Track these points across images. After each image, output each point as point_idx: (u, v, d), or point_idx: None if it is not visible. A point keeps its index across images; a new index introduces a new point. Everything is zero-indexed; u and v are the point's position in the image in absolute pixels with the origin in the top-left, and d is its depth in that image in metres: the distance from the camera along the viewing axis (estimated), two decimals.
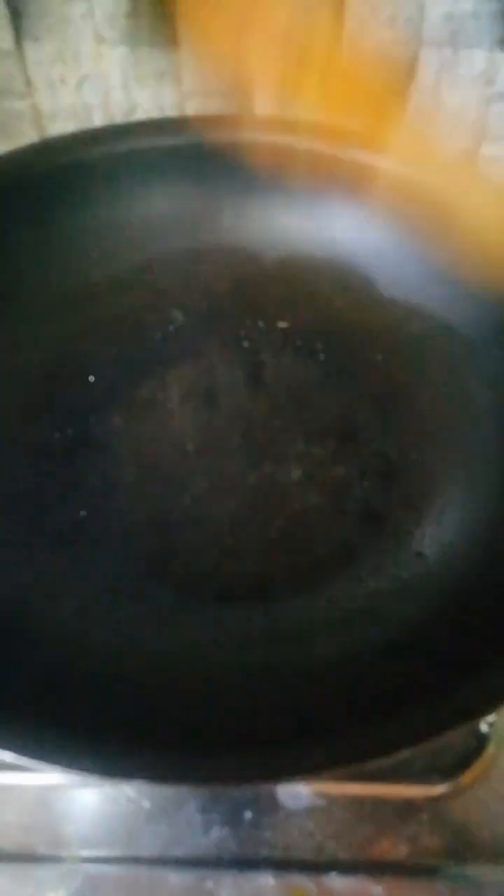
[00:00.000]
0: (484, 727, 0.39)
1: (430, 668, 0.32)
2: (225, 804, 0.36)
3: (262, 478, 0.43)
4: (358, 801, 0.37)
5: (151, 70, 0.54)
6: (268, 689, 0.34)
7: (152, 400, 0.46)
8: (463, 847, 0.36)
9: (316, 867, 0.35)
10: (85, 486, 0.42)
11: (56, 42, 0.52)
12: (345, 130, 0.48)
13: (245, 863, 0.35)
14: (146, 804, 0.36)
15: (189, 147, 0.51)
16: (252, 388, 0.47)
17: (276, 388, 0.48)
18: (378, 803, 0.37)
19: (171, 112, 0.56)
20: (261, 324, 0.50)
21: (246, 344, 0.49)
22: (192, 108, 0.56)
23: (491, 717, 0.39)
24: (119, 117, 0.57)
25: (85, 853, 0.35)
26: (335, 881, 0.35)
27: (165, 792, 0.36)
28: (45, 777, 0.36)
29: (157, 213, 0.52)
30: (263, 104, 0.55)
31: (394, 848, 0.36)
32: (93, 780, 0.27)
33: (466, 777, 0.37)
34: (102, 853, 0.35)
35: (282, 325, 0.50)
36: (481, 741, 0.39)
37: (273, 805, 0.36)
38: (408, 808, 0.37)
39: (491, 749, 0.39)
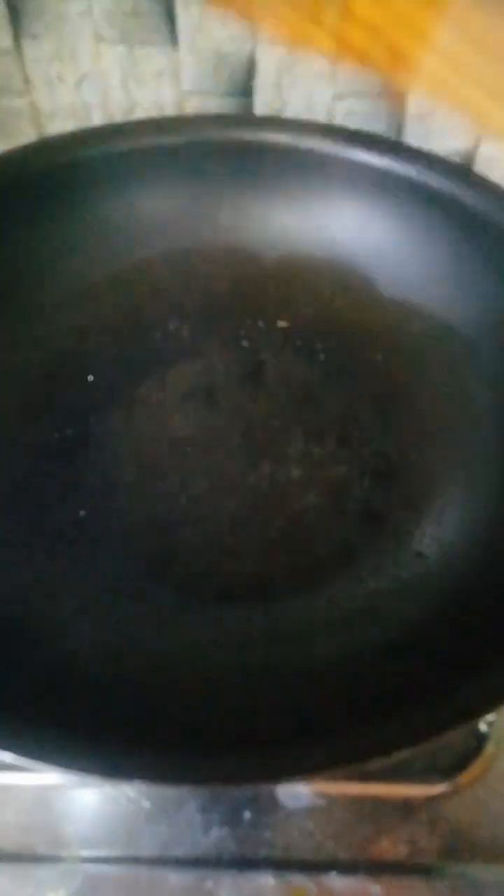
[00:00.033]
0: (483, 727, 0.39)
1: (430, 668, 0.32)
2: (225, 804, 0.36)
3: (261, 477, 0.43)
4: (357, 801, 0.37)
5: (150, 69, 0.54)
6: (267, 688, 0.34)
7: (152, 400, 0.46)
8: (462, 847, 0.36)
9: (315, 867, 0.35)
10: (84, 486, 0.42)
11: (54, 40, 0.52)
12: (346, 130, 0.48)
13: (245, 863, 0.35)
14: (146, 804, 0.36)
15: (188, 146, 0.51)
16: (252, 388, 0.47)
17: (276, 387, 0.48)
18: (377, 803, 0.37)
19: (170, 111, 0.56)
20: (260, 323, 0.50)
21: (245, 343, 0.49)
22: (191, 107, 0.56)
23: (490, 717, 0.39)
24: (118, 116, 0.57)
25: (85, 853, 0.35)
26: (335, 881, 0.35)
27: (165, 792, 0.36)
28: (44, 777, 0.36)
29: (156, 212, 0.51)
30: (264, 103, 0.55)
31: (393, 848, 0.36)
32: (92, 780, 0.27)
33: (465, 777, 0.37)
34: (102, 853, 0.35)
35: (281, 324, 0.50)
36: (480, 741, 0.39)
37: (273, 805, 0.36)
38: (407, 808, 0.37)
39: (490, 749, 0.39)
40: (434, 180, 0.47)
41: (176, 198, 0.52)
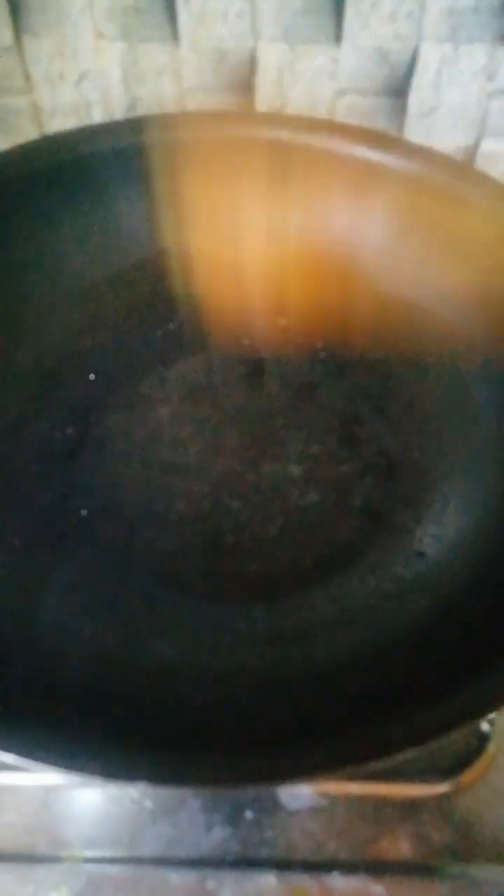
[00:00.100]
0: (485, 726, 0.39)
1: (432, 668, 0.32)
2: (227, 804, 0.36)
3: (261, 476, 0.43)
4: (359, 801, 0.37)
5: (152, 65, 0.53)
6: (269, 688, 0.34)
7: (152, 398, 0.46)
8: (464, 846, 0.36)
9: (317, 867, 0.35)
10: (85, 486, 0.42)
11: (55, 38, 0.52)
12: (346, 127, 0.48)
13: (247, 862, 0.35)
14: (148, 804, 0.36)
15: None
16: (252, 387, 0.47)
17: (276, 386, 0.47)
18: (379, 803, 0.37)
19: (171, 108, 0.56)
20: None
21: (245, 342, 0.49)
22: (192, 104, 0.56)
23: (492, 716, 0.39)
24: (119, 113, 0.57)
25: (87, 853, 0.35)
26: (337, 881, 0.35)
27: (167, 792, 0.36)
28: (46, 777, 0.36)
29: (157, 209, 0.51)
30: (265, 99, 0.55)
31: (395, 847, 0.36)
32: (94, 781, 0.27)
33: (467, 776, 0.37)
34: (104, 853, 0.35)
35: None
36: (482, 740, 0.39)
37: (274, 805, 0.36)
38: (409, 808, 0.37)
39: (492, 748, 0.39)
40: (436, 177, 0.46)
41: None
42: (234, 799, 0.36)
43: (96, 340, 0.48)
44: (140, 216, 0.51)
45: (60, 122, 0.57)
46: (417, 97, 0.54)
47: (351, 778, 0.36)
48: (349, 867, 0.35)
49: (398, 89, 0.54)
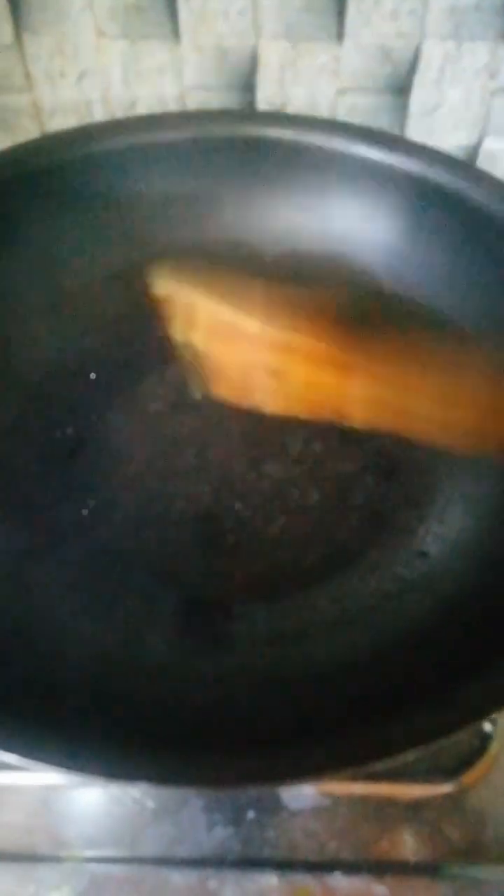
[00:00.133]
0: (487, 726, 0.39)
1: (434, 669, 0.32)
2: (228, 804, 0.36)
3: (261, 476, 0.43)
4: (361, 801, 0.36)
5: (152, 64, 0.53)
6: (269, 689, 0.34)
7: (153, 397, 0.46)
8: (466, 846, 0.36)
9: (319, 867, 0.35)
10: (86, 485, 0.42)
11: (56, 36, 0.52)
12: (349, 125, 0.48)
13: (248, 863, 0.35)
14: (150, 804, 0.36)
15: (190, 141, 0.50)
16: None
17: None
18: (381, 803, 0.36)
19: (172, 106, 0.56)
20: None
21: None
22: (193, 103, 0.56)
23: (494, 716, 0.39)
24: (119, 112, 0.56)
25: (88, 853, 0.35)
26: (339, 881, 0.35)
27: (169, 792, 0.36)
28: (48, 777, 0.36)
29: (157, 207, 0.51)
30: (266, 98, 0.54)
31: (397, 848, 0.36)
32: (96, 781, 0.27)
33: (470, 776, 0.37)
34: (106, 853, 0.35)
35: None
36: (484, 740, 0.39)
37: (276, 805, 0.36)
38: (411, 808, 0.36)
39: (494, 748, 0.38)
40: (437, 176, 0.46)
41: (177, 193, 0.51)
42: (235, 799, 0.36)
43: (97, 340, 0.48)
44: (140, 215, 0.51)
45: (60, 121, 0.57)
46: (419, 95, 0.54)
47: (353, 778, 0.36)
48: (352, 867, 0.35)
49: (400, 87, 0.53)
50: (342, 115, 0.55)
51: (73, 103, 0.56)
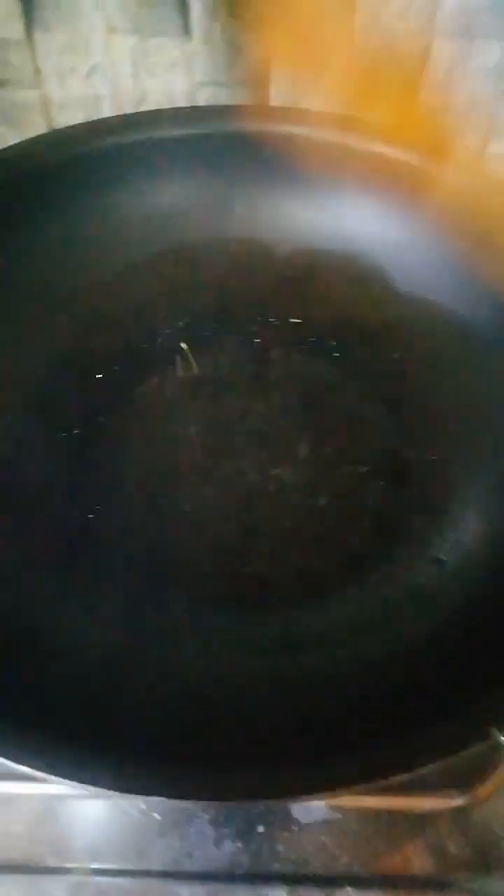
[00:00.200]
0: (502, 738, 0.38)
1: (450, 680, 0.31)
2: (237, 817, 0.35)
3: (268, 479, 0.42)
4: (372, 814, 0.36)
5: (162, 59, 0.53)
6: (281, 699, 0.33)
7: (160, 398, 0.46)
8: (479, 860, 0.36)
9: (329, 881, 0.35)
10: (93, 488, 0.41)
11: (67, 32, 0.51)
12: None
13: (257, 877, 0.34)
14: (157, 816, 0.35)
15: (200, 138, 0.50)
16: (262, 386, 0.47)
17: (287, 385, 0.47)
18: (393, 816, 0.36)
19: (181, 102, 0.55)
20: (272, 319, 0.49)
21: (257, 340, 0.48)
22: (203, 98, 0.55)
23: None
24: (128, 107, 0.56)
25: (95, 865, 0.35)
26: None
27: (177, 805, 0.35)
28: (54, 787, 0.36)
29: (167, 204, 0.51)
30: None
31: (408, 862, 0.35)
32: (105, 794, 0.26)
33: (483, 789, 0.36)
34: (113, 865, 0.35)
35: (294, 320, 0.49)
36: (498, 752, 0.38)
37: (286, 818, 0.36)
38: (423, 821, 0.36)
39: None
40: (449, 175, 0.45)
41: (188, 190, 0.51)
42: (245, 812, 0.35)
43: (103, 339, 0.47)
44: (150, 210, 0.50)
45: (69, 116, 0.56)
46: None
47: (365, 791, 0.35)
48: (362, 882, 0.35)
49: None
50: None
51: (82, 99, 0.56)
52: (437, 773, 0.35)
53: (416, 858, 0.35)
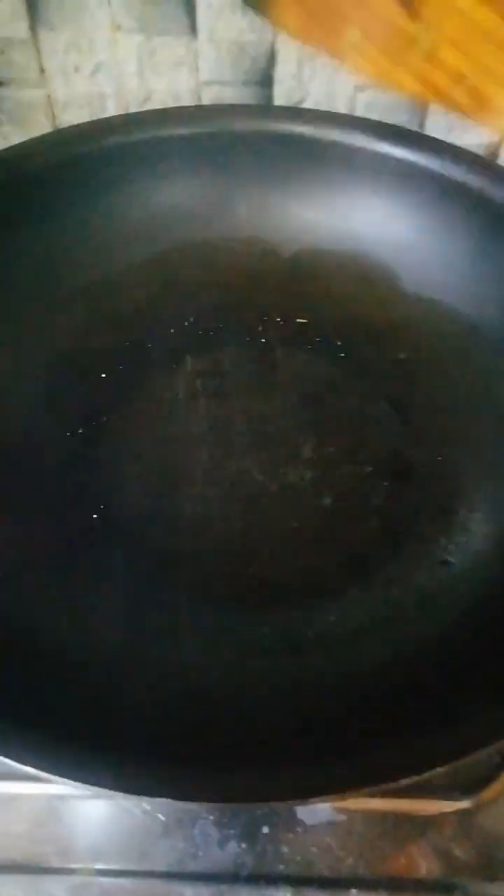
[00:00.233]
0: None
1: (458, 683, 0.31)
2: (242, 818, 0.35)
3: (272, 478, 0.42)
4: (378, 817, 0.36)
5: (168, 58, 0.52)
6: (284, 701, 0.33)
7: (164, 398, 0.45)
8: (485, 863, 0.35)
9: (334, 884, 0.34)
10: (97, 488, 0.41)
11: (71, 30, 0.51)
12: (369, 121, 0.47)
13: (262, 878, 0.34)
14: (161, 817, 0.35)
15: (205, 137, 0.49)
16: (266, 385, 0.46)
17: (292, 385, 0.47)
18: (398, 819, 0.36)
19: (186, 101, 0.55)
20: (278, 319, 0.49)
21: (262, 340, 0.48)
22: (208, 97, 0.55)
23: None
24: (133, 106, 0.56)
25: (98, 866, 0.34)
26: None
27: (181, 805, 0.35)
28: (57, 787, 0.35)
29: (171, 204, 0.51)
30: (283, 92, 0.54)
31: (415, 864, 0.35)
32: (109, 795, 0.26)
33: (489, 792, 0.36)
34: (116, 866, 0.34)
35: (300, 320, 0.49)
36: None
37: (291, 820, 0.35)
38: (429, 824, 0.36)
39: None
40: (460, 174, 0.45)
41: (192, 189, 0.51)
42: (249, 813, 0.35)
43: (107, 339, 0.47)
44: (155, 209, 0.50)
45: (73, 115, 0.56)
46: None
47: (370, 794, 0.35)
48: (367, 884, 0.34)
49: None
50: (360, 110, 0.54)
51: (86, 97, 0.55)
52: (443, 776, 0.35)
53: (422, 861, 0.35)
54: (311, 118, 0.49)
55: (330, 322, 0.48)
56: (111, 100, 0.55)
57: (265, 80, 0.53)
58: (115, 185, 0.49)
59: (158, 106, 0.55)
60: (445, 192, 0.46)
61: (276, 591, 0.38)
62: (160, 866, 0.34)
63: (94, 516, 0.40)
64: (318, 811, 0.35)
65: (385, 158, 0.47)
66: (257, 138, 0.49)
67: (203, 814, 0.35)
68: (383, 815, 0.36)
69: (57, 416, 0.43)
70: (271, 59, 0.52)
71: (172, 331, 0.48)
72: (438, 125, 0.54)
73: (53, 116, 0.56)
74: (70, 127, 0.51)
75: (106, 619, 0.36)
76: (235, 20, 0.50)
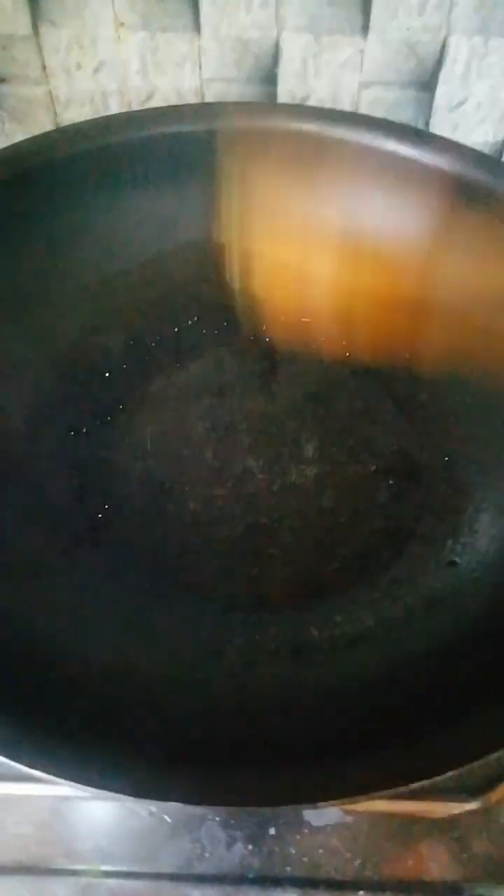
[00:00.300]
0: None
1: (468, 684, 0.31)
2: (249, 820, 0.35)
3: (275, 477, 0.42)
4: (385, 818, 0.36)
5: (172, 55, 0.52)
6: (291, 704, 0.33)
7: (168, 398, 0.45)
8: (492, 865, 0.35)
9: (342, 885, 0.34)
10: (101, 487, 0.41)
11: (74, 27, 0.51)
12: (373, 119, 0.47)
13: (269, 880, 0.34)
14: (168, 819, 0.35)
15: (209, 134, 0.49)
16: (268, 386, 0.46)
17: (297, 385, 0.47)
18: (405, 821, 0.36)
19: (190, 98, 0.55)
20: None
21: (266, 339, 0.48)
22: (212, 95, 0.55)
23: None
24: (136, 103, 0.55)
25: (105, 867, 0.34)
26: None
27: (188, 807, 0.35)
28: (63, 789, 0.35)
29: (175, 202, 0.50)
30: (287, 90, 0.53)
31: (422, 866, 0.35)
32: (117, 798, 0.26)
33: (496, 795, 0.36)
34: (123, 868, 0.34)
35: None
36: None
37: (297, 822, 0.35)
38: (437, 826, 0.36)
39: None
40: (466, 172, 0.45)
41: (197, 187, 0.50)
42: (256, 815, 0.35)
43: (111, 338, 0.47)
44: (157, 209, 0.50)
45: (75, 112, 0.56)
46: (445, 90, 0.53)
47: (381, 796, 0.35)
48: (375, 886, 0.34)
49: (425, 82, 0.52)
50: (364, 108, 0.54)
51: (88, 94, 0.55)
52: (450, 778, 0.34)
53: (430, 863, 0.35)
54: (316, 116, 0.49)
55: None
56: (114, 97, 0.55)
57: (269, 78, 0.53)
58: (118, 183, 0.49)
59: (161, 103, 0.55)
60: (450, 190, 0.46)
61: (281, 591, 0.38)
62: (167, 868, 0.34)
63: (99, 516, 0.40)
64: (325, 813, 0.35)
65: (390, 156, 0.47)
66: (261, 136, 0.49)
67: (210, 815, 0.35)
68: (390, 817, 0.36)
69: (62, 415, 0.43)
70: (275, 56, 0.52)
71: (176, 330, 0.48)
72: (444, 124, 0.54)
73: (55, 114, 0.56)
74: (72, 125, 0.51)
75: (110, 620, 0.36)
76: (239, 17, 0.50)
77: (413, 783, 0.26)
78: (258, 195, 0.47)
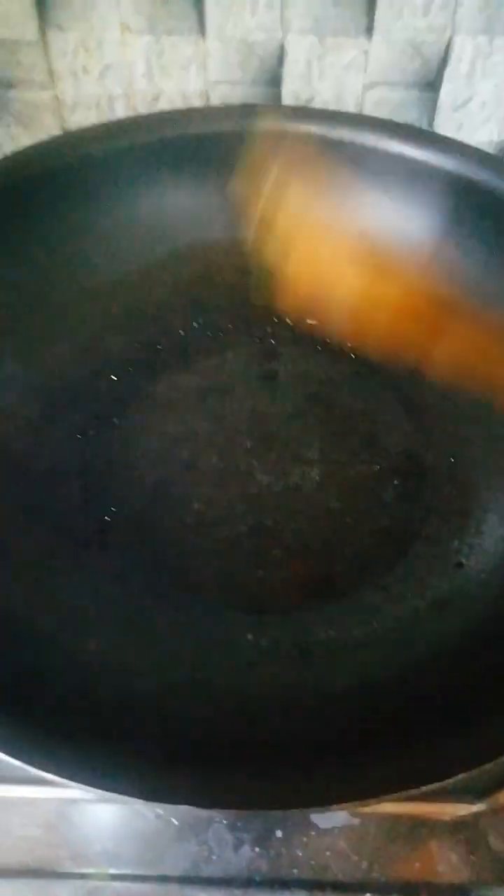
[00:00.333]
0: None
1: (476, 687, 0.31)
2: (256, 823, 0.35)
3: (278, 478, 0.42)
4: (392, 820, 0.35)
5: (177, 58, 0.52)
6: (295, 707, 0.33)
7: (172, 399, 0.45)
8: (501, 868, 0.35)
9: (349, 888, 0.34)
10: (106, 490, 0.41)
11: (80, 31, 0.51)
12: (379, 120, 0.47)
13: (276, 883, 0.34)
14: (175, 821, 0.35)
15: (214, 137, 0.49)
16: (276, 386, 0.46)
17: (302, 385, 0.46)
18: (413, 822, 0.35)
19: (195, 101, 0.55)
20: (289, 321, 0.49)
21: (272, 341, 0.48)
22: (217, 97, 0.55)
23: None
24: (142, 107, 0.56)
25: (112, 870, 0.34)
26: None
27: (195, 810, 0.35)
28: (70, 791, 0.35)
29: (181, 205, 0.51)
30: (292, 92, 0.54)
31: (430, 868, 0.34)
32: (131, 801, 0.26)
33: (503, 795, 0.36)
34: (130, 870, 0.34)
35: (310, 321, 0.48)
36: None
37: (304, 824, 0.35)
38: (444, 827, 0.35)
39: None
40: (472, 172, 0.45)
41: (202, 190, 0.50)
42: (263, 817, 0.35)
43: (117, 341, 0.47)
44: (164, 211, 0.50)
45: (81, 116, 0.56)
46: (449, 90, 0.52)
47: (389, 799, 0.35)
48: (382, 888, 0.34)
49: (429, 82, 0.52)
50: (368, 109, 0.54)
51: (94, 98, 0.55)
52: (458, 779, 0.34)
53: (437, 865, 0.35)
54: (321, 117, 0.49)
55: (341, 324, 0.48)
56: (119, 101, 0.55)
57: (274, 80, 0.53)
58: (124, 186, 0.49)
59: (167, 106, 0.55)
60: (458, 191, 0.46)
61: (285, 592, 0.38)
62: (174, 871, 0.34)
63: (106, 518, 0.40)
64: (332, 815, 0.35)
65: (394, 157, 0.47)
66: (268, 138, 0.49)
67: (217, 818, 0.35)
68: (397, 819, 0.35)
69: (68, 417, 0.43)
70: (280, 58, 0.52)
71: (182, 332, 0.48)
72: (448, 124, 0.54)
73: (62, 118, 0.56)
74: (79, 129, 0.51)
75: (114, 621, 0.36)
76: (244, 19, 0.50)
77: (424, 786, 0.25)
78: (262, 196, 0.47)
